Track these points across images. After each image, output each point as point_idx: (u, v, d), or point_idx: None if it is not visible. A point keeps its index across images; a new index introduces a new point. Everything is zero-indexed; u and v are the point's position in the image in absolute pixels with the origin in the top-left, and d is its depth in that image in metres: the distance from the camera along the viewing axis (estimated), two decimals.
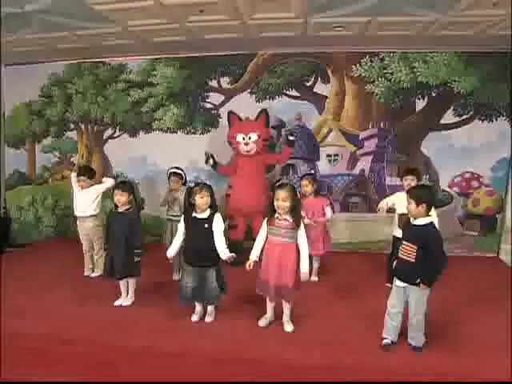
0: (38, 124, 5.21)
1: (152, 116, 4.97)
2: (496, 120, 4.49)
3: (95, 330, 2.88)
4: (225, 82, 4.84)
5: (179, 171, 3.81)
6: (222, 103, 4.86)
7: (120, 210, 3.23)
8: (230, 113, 4.31)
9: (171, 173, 3.79)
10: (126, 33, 3.87)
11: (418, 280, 2.44)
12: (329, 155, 4.81)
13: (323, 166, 4.79)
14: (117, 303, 3.32)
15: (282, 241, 2.76)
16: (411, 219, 2.57)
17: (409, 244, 2.50)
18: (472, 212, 4.63)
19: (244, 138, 4.07)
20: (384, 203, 3.66)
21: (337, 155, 4.79)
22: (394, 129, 4.64)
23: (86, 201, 3.86)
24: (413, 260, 2.47)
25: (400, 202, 3.57)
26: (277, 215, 2.76)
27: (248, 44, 4.36)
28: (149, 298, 3.42)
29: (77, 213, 3.92)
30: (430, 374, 2.42)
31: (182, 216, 2.98)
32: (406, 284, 2.53)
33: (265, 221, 2.85)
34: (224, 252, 2.83)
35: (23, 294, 3.50)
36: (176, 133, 4.97)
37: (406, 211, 3.46)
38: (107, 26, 3.65)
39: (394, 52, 4.47)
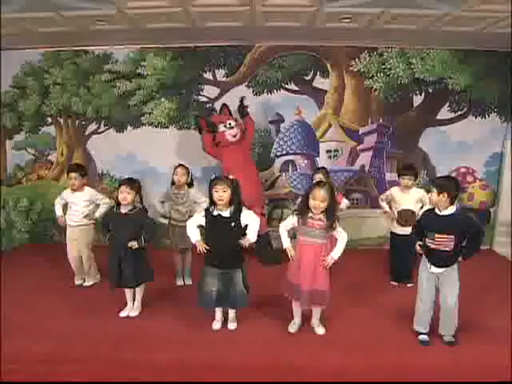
0: (10, 118, 4.67)
1: (141, 110, 4.61)
2: (488, 116, 4.62)
3: (107, 346, 2.56)
4: (220, 74, 4.60)
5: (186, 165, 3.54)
6: (218, 97, 4.62)
7: (123, 210, 2.90)
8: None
9: (177, 165, 3.50)
10: (120, 16, 3.51)
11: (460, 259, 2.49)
12: (329, 151, 4.71)
13: (323, 162, 4.69)
14: (123, 314, 3.00)
15: (317, 242, 2.59)
16: (436, 210, 2.54)
17: (443, 236, 2.46)
18: (467, 206, 4.72)
19: (226, 126, 3.99)
20: (384, 203, 3.69)
21: (337, 150, 4.71)
22: (393, 124, 4.64)
23: (79, 208, 3.45)
24: (450, 249, 2.45)
25: (400, 198, 3.57)
26: (310, 214, 2.58)
27: (247, 35, 4.17)
28: (156, 306, 3.14)
29: (68, 222, 3.51)
30: (475, 367, 2.39)
31: (203, 212, 2.70)
32: (444, 268, 2.51)
33: (294, 217, 2.67)
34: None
35: (10, 308, 3.05)
36: (167, 128, 4.65)
37: (405, 207, 3.52)
38: (102, 7, 3.29)
39: (392, 47, 4.46)
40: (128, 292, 3.00)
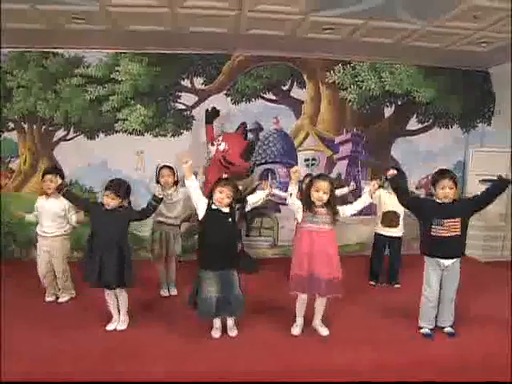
0: None
1: (115, 116, 4.40)
2: (451, 127, 4.97)
3: (96, 361, 2.32)
4: (198, 82, 4.54)
5: (171, 165, 3.35)
6: (196, 104, 4.54)
7: (108, 207, 2.70)
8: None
9: (162, 167, 3.31)
10: (101, 15, 3.37)
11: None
12: (306, 159, 4.78)
13: (301, 171, 4.70)
14: (110, 328, 2.75)
15: (323, 228, 2.57)
16: (439, 201, 2.65)
17: (452, 220, 2.58)
18: None
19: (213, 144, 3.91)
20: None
21: (314, 159, 4.78)
22: (367, 134, 4.82)
23: (54, 215, 3.16)
24: (459, 232, 2.58)
25: (387, 199, 3.66)
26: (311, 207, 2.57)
27: (228, 43, 4.18)
28: (144, 319, 2.93)
29: (41, 232, 3.20)
30: (478, 356, 2.46)
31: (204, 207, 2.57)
32: (454, 260, 2.61)
33: (299, 213, 2.63)
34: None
35: None
36: (143, 135, 4.47)
37: (391, 209, 3.62)
38: (86, 3, 3.12)
39: (363, 62, 4.69)
40: (112, 305, 2.77)
